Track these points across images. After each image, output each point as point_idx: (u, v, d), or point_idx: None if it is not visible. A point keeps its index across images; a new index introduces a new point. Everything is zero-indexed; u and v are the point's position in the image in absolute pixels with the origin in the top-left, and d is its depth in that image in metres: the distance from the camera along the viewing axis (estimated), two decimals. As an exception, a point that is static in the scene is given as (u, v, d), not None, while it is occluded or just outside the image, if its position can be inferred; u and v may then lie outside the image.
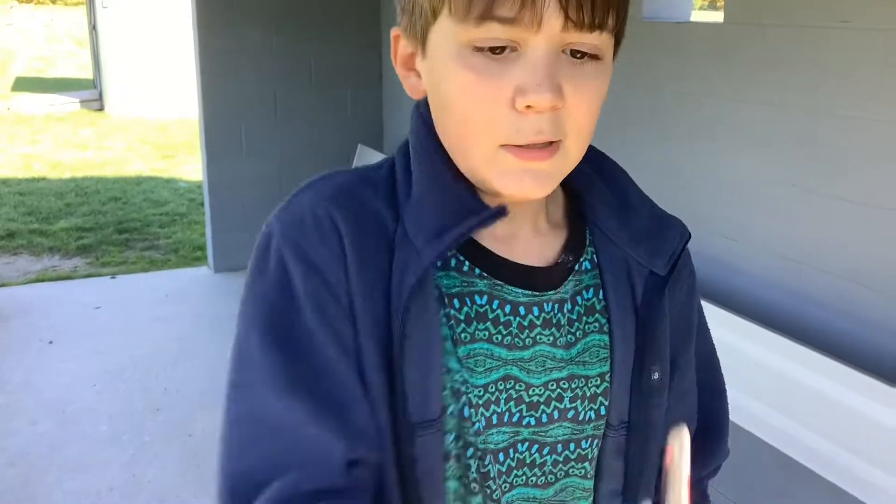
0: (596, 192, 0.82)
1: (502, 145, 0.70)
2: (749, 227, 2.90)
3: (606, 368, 0.79)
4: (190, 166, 9.25)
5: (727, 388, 0.95)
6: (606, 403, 0.80)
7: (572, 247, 0.81)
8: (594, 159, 0.83)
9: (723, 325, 2.55)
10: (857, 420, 2.19)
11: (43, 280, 5.55)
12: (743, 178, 2.92)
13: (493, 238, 0.78)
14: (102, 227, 6.81)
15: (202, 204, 6.39)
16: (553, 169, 0.72)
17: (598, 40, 0.69)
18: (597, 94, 0.71)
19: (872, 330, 2.35)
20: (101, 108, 13.50)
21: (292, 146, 5.51)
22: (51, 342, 4.42)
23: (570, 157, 0.73)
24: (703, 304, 0.91)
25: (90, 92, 14.81)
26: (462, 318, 0.75)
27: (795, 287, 2.60)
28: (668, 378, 0.80)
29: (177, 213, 7.34)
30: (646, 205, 0.84)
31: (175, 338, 4.51)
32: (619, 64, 0.75)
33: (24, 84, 17.51)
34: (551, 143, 0.70)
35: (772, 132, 2.77)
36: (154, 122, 12.15)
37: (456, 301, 0.75)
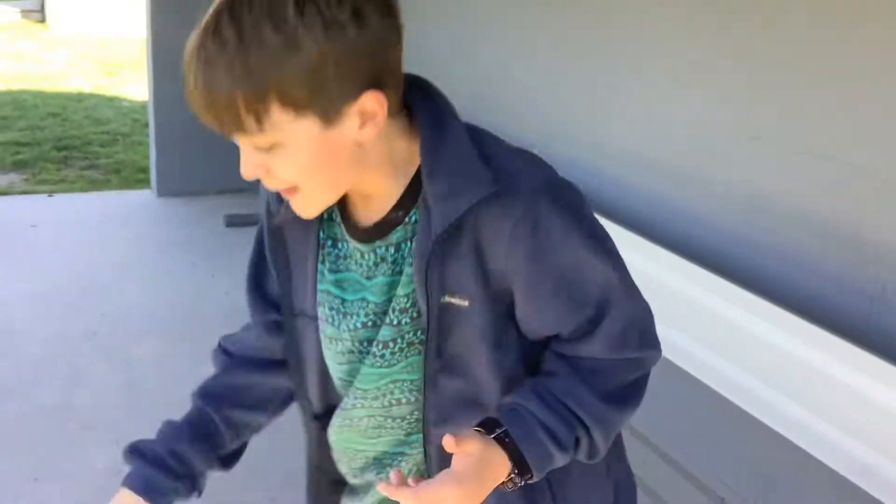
0: (427, 155, 0.98)
1: None
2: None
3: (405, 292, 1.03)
4: (135, 86, 8.92)
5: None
6: (397, 318, 1.03)
7: (401, 205, 1.01)
8: (433, 116, 0.99)
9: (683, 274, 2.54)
10: (812, 375, 2.21)
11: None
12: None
13: (354, 210, 1.06)
14: (40, 143, 6.55)
15: (146, 125, 6.18)
16: (302, 203, 0.99)
17: (262, 140, 0.91)
18: (292, 164, 0.94)
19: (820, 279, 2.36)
20: (42, 20, 12.98)
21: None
22: (-18, 259, 4.25)
23: (312, 195, 0.98)
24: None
25: (32, 2, 14.17)
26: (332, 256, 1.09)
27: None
28: (483, 304, 0.98)
29: (119, 133, 7.09)
30: (454, 165, 0.97)
31: (115, 262, 4.37)
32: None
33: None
34: (289, 189, 0.97)
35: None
36: (98, 37, 11.67)
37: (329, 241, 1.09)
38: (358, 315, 1.07)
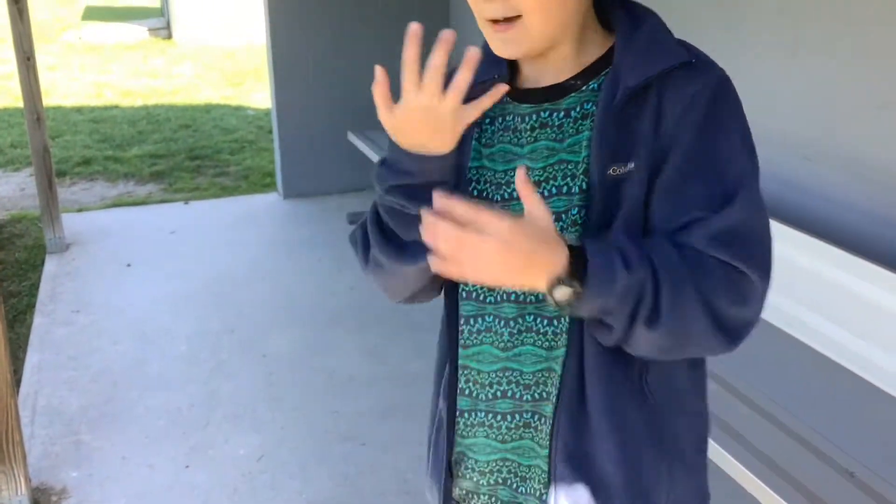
0: (622, 40, 1.05)
1: (486, 19, 1.03)
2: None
3: (586, 154, 1.04)
4: (258, 94, 9.31)
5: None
6: (582, 178, 1.03)
7: (580, 76, 1.07)
8: (632, 16, 1.07)
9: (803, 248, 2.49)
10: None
11: (119, 205, 5.70)
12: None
13: (522, 77, 1.12)
14: (174, 154, 6.93)
15: (270, 131, 6.44)
16: (515, 37, 1.02)
17: None
18: None
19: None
20: (168, 37, 13.62)
21: (359, 74, 5.47)
22: (129, 265, 4.56)
23: (531, 29, 1.01)
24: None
25: (158, 20, 14.91)
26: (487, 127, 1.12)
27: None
28: (642, 173, 1.00)
29: (246, 141, 7.41)
30: (650, 42, 1.04)
31: (247, 261, 4.61)
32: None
33: (94, 13, 17.70)
34: (508, 19, 1.00)
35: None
36: (221, 49, 12.21)
37: (486, 118, 1.12)
38: (510, 185, 1.07)
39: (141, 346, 3.68)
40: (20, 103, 6.67)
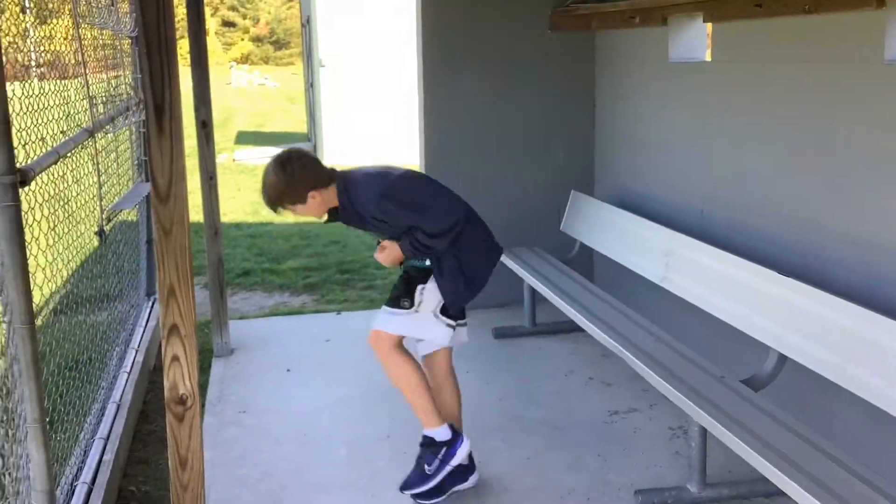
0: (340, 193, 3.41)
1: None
2: None
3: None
4: (399, 212, 9.75)
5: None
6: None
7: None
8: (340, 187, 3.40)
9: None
10: None
11: (276, 314, 6.04)
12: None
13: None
14: (325, 268, 7.32)
15: (416, 247, 6.72)
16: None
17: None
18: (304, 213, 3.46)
19: None
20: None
21: (506, 191, 5.72)
22: (288, 370, 4.81)
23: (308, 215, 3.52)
24: None
25: (305, 144, 15.94)
26: None
27: None
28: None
29: (392, 256, 7.74)
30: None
31: (399, 371, 4.77)
32: None
33: (245, 138, 19.08)
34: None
35: None
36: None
37: None
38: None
39: (303, 448, 3.85)
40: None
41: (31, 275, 2.58)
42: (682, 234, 4.24)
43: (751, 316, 3.54)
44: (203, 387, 4.59)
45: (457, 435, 3.35)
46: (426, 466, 3.32)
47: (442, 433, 3.32)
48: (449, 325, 3.37)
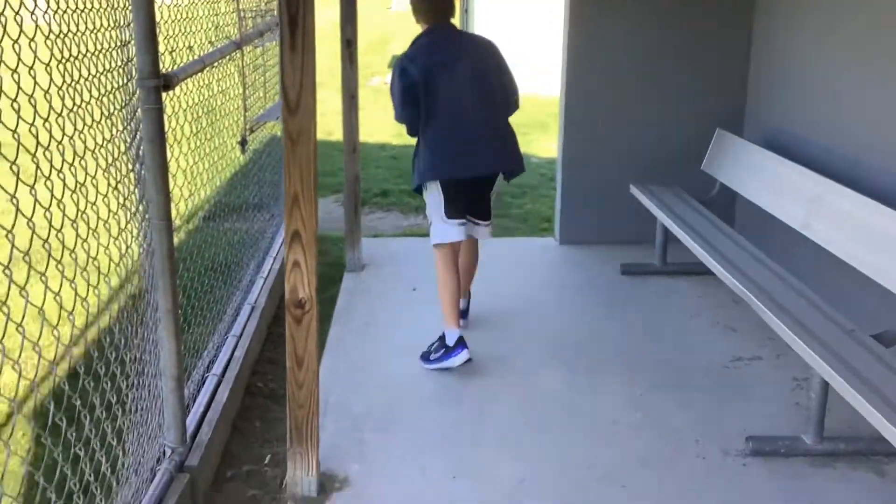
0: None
1: None
2: None
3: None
4: (541, 143, 9.66)
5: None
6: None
7: None
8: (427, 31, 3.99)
9: None
10: None
11: (409, 235, 6.18)
12: None
13: None
14: (464, 194, 7.38)
15: (552, 179, 6.68)
16: None
17: None
18: None
19: None
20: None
21: (648, 127, 5.56)
22: (414, 289, 4.94)
23: None
24: None
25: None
26: None
27: None
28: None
29: (528, 186, 7.73)
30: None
31: (521, 298, 4.82)
32: None
33: (400, 62, 19.19)
34: None
35: None
36: (511, 100, 12.79)
37: None
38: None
39: (421, 362, 3.98)
40: (330, 137, 7.41)
41: (171, 176, 2.76)
42: (831, 181, 4.01)
43: (892, 270, 3.33)
44: (333, 298, 4.80)
45: (460, 346, 3.81)
46: (433, 352, 3.92)
47: (450, 336, 3.86)
48: (460, 224, 3.93)
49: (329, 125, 8.52)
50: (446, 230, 3.93)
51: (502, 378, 3.83)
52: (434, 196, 3.90)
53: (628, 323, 4.48)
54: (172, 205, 2.74)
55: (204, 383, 3.38)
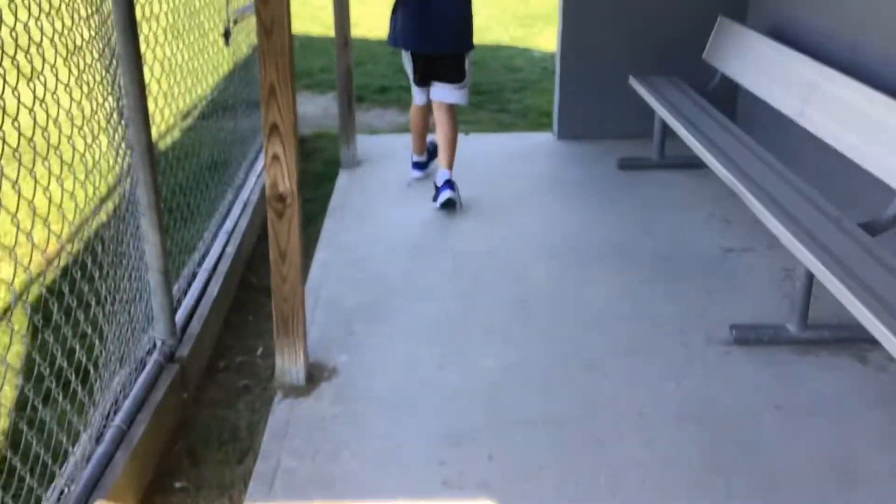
0: None
1: None
2: None
3: None
4: (546, 36, 9.45)
5: None
6: None
7: None
8: None
9: None
10: None
11: (407, 132, 6.09)
12: None
13: None
14: (461, 89, 7.26)
15: (554, 73, 6.54)
16: None
17: None
18: None
19: None
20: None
21: (647, 16, 5.41)
22: (409, 185, 4.93)
23: None
24: None
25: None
26: None
27: None
28: None
29: (529, 80, 7.60)
30: None
31: (517, 193, 4.81)
32: None
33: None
34: None
35: None
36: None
37: None
38: None
39: (412, 257, 4.00)
40: (330, 32, 7.21)
41: (148, 66, 2.72)
42: (829, 68, 3.91)
43: (886, 157, 3.29)
44: (327, 195, 4.79)
45: (447, 186, 4.44)
46: (437, 185, 4.53)
47: (440, 177, 4.51)
48: (422, 89, 4.63)
49: (329, 19, 8.31)
50: (415, 93, 4.69)
51: (494, 271, 3.85)
52: (406, 63, 4.63)
53: (622, 217, 4.47)
54: (151, 99, 2.72)
55: (195, 278, 3.41)
